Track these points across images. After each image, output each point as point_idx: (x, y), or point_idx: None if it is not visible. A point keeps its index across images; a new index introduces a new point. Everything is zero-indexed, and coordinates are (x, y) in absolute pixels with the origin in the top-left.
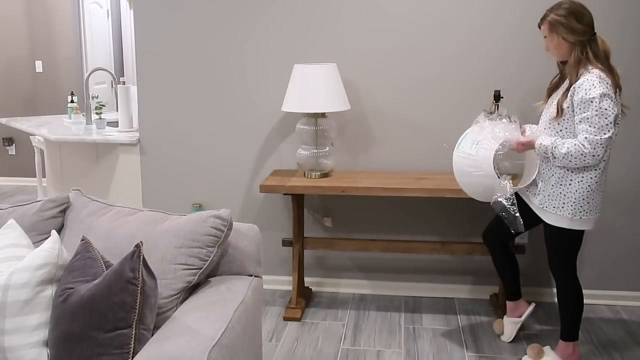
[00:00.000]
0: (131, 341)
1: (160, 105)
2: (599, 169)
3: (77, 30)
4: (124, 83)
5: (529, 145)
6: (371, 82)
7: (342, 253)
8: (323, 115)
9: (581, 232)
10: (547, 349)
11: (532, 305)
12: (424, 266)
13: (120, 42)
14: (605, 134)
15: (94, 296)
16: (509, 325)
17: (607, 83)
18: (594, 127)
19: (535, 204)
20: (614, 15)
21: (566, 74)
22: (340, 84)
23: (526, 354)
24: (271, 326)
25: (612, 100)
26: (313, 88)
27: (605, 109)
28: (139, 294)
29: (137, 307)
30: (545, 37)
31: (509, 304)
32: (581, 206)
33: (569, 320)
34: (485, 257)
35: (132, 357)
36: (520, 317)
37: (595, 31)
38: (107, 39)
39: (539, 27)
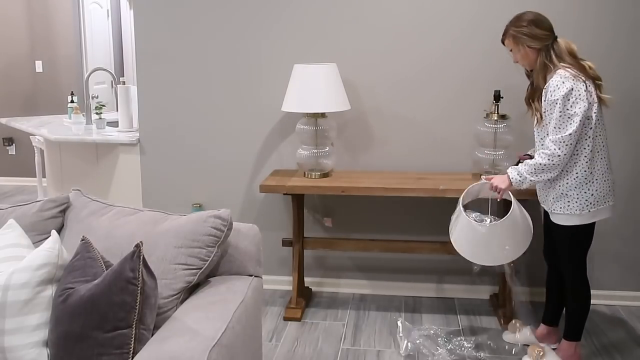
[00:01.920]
0: (131, 341)
1: (160, 105)
2: (587, 159)
3: (77, 30)
4: (124, 83)
5: (505, 182)
6: (371, 82)
7: (342, 253)
8: (323, 115)
9: (592, 225)
10: (547, 349)
11: (554, 348)
12: (424, 266)
13: (120, 42)
14: (567, 131)
15: (94, 296)
16: (525, 338)
17: (572, 79)
18: (557, 128)
19: (545, 209)
20: (608, 15)
21: (536, 81)
22: (340, 84)
23: (526, 353)
24: (271, 326)
25: (576, 98)
26: (313, 88)
27: (568, 109)
28: (139, 294)
29: (137, 307)
30: (511, 50)
31: (543, 327)
32: (586, 199)
33: (574, 319)
34: None
35: (132, 357)
36: (548, 344)
37: (556, 35)
38: (107, 39)
39: (503, 43)
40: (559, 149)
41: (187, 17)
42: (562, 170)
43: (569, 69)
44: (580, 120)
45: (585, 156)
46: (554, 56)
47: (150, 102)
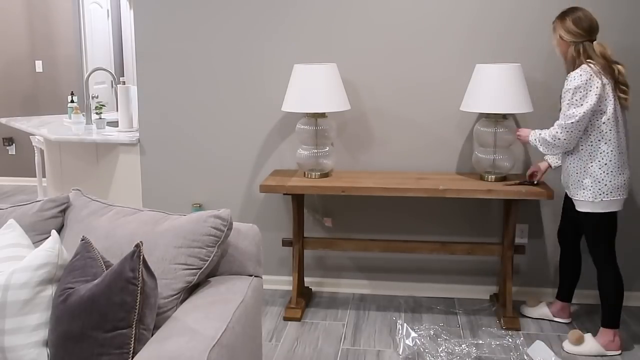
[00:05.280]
0: (131, 341)
1: (160, 105)
2: (610, 151)
3: (77, 30)
4: (124, 83)
5: (525, 136)
6: (371, 81)
7: (342, 253)
8: (323, 115)
9: (611, 215)
10: (588, 335)
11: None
12: (424, 266)
13: (120, 42)
14: (570, 120)
15: (94, 296)
16: (541, 312)
17: (590, 73)
18: (565, 114)
19: (569, 195)
20: (619, 15)
21: (567, 70)
22: (340, 84)
23: (567, 338)
24: (271, 326)
25: (588, 91)
26: (313, 88)
27: (578, 99)
28: (139, 294)
29: (137, 307)
30: (553, 35)
31: (557, 302)
32: (599, 189)
33: (609, 306)
34: (485, 257)
35: (132, 357)
36: (561, 318)
37: (595, 38)
38: (107, 38)
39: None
40: (561, 133)
41: (187, 17)
42: (580, 158)
43: (592, 66)
44: (586, 112)
45: (600, 148)
46: (582, 53)
47: (150, 102)
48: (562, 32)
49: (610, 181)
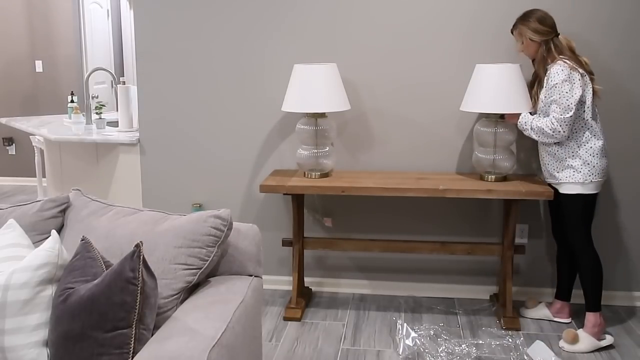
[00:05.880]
0: (131, 341)
1: (160, 105)
2: (593, 137)
3: (78, 30)
4: (124, 83)
5: (514, 119)
6: (371, 81)
7: (342, 253)
8: (323, 115)
9: (594, 196)
10: (580, 332)
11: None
12: (424, 266)
13: (120, 42)
14: (568, 113)
15: (93, 296)
16: (541, 313)
17: (569, 69)
18: (560, 108)
19: (554, 182)
20: (620, 17)
21: (537, 70)
22: (340, 84)
23: (562, 339)
24: (271, 326)
25: (573, 84)
26: (313, 88)
27: (567, 92)
28: (139, 294)
29: (137, 307)
30: (518, 41)
31: (557, 302)
32: (589, 170)
33: (592, 290)
34: (485, 257)
35: (132, 357)
36: (561, 318)
37: (559, 33)
38: (107, 38)
39: (512, 33)
40: (561, 126)
41: (187, 17)
42: (567, 145)
43: (567, 61)
44: (576, 104)
45: (585, 135)
46: (553, 50)
47: (150, 102)
48: (530, 33)
49: (597, 163)
